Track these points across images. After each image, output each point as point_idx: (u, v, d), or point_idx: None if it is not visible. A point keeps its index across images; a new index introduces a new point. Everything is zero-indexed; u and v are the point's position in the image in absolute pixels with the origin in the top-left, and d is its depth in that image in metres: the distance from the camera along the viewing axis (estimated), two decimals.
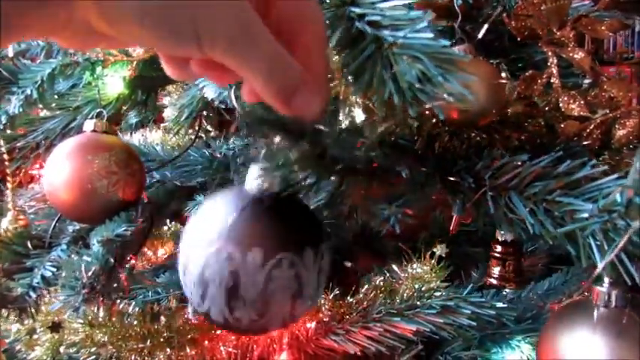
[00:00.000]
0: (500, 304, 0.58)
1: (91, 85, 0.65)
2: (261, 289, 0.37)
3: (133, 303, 0.67)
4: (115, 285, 0.54)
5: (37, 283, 0.53)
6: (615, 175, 0.39)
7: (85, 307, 0.49)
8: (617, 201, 0.35)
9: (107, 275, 0.50)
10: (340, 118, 0.63)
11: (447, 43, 0.30)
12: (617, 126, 0.54)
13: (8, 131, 0.60)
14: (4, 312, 0.52)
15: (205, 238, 0.38)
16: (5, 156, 0.62)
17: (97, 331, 0.59)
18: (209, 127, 0.97)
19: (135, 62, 0.65)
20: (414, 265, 0.64)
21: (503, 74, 0.61)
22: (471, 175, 0.47)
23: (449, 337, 0.56)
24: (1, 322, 0.70)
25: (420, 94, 0.28)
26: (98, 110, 0.63)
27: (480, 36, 0.55)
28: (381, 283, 0.62)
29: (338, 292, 0.65)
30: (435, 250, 0.66)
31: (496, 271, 0.64)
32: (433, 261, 0.63)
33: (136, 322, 0.60)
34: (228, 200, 0.40)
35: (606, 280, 0.41)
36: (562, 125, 0.54)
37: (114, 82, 0.66)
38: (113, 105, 0.66)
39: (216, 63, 0.30)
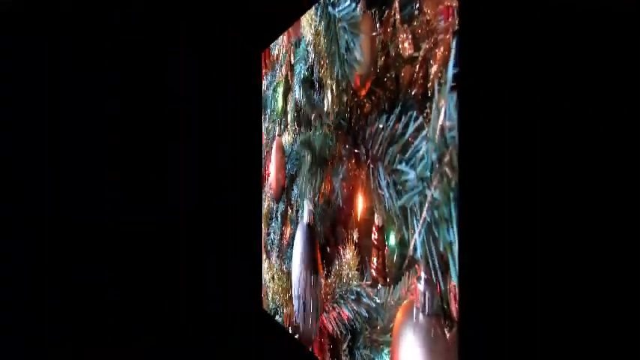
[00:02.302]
0: None
1: None
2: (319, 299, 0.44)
3: None
4: None
5: None
6: (424, 132, 0.38)
7: None
8: (428, 165, 0.32)
9: None
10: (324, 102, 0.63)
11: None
12: (431, 61, 0.45)
13: None
14: None
15: (295, 264, 0.49)
16: None
17: None
18: None
19: None
20: None
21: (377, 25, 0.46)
22: (364, 145, 0.48)
23: None
24: None
25: (346, 65, 0.29)
26: None
27: None
28: None
29: None
30: None
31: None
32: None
33: None
34: (299, 232, 0.50)
35: (423, 275, 0.35)
36: (402, 74, 0.46)
37: None
38: None
39: None
